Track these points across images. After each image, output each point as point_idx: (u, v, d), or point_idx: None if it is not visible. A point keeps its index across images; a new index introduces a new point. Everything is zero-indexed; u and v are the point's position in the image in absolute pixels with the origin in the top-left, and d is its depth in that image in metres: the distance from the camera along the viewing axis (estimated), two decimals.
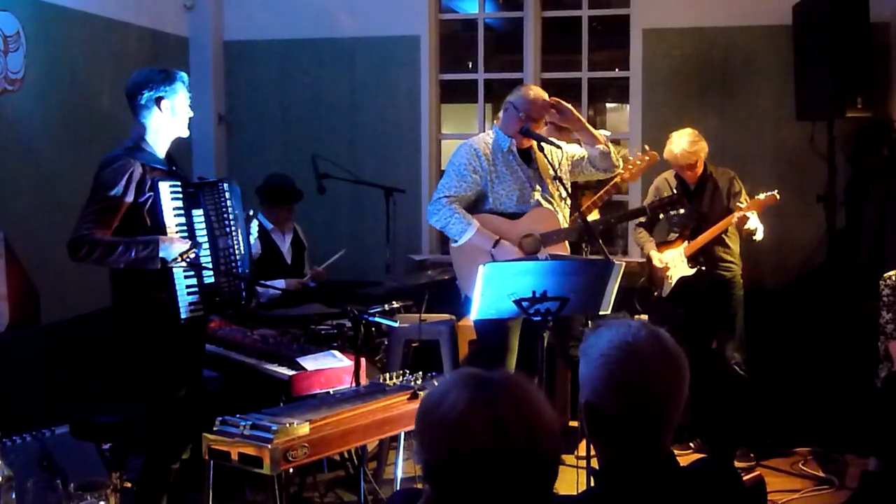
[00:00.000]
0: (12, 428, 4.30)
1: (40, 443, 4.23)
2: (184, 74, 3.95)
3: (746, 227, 5.11)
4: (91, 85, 5.87)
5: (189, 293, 3.80)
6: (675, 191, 5.33)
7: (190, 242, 3.78)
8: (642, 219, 5.34)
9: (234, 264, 3.98)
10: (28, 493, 3.52)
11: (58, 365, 5.19)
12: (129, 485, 4.01)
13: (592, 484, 2.17)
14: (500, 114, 4.77)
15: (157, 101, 3.84)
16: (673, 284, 5.40)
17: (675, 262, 5.39)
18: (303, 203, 5.82)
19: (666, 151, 5.33)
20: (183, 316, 3.76)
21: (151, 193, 3.76)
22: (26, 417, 4.53)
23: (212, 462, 3.31)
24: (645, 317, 5.61)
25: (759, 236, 5.22)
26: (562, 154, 4.78)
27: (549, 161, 4.65)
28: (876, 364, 4.95)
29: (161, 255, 3.69)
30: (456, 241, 4.56)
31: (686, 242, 5.36)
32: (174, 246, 3.72)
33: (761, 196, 5.13)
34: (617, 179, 5.27)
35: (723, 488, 2.01)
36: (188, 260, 3.77)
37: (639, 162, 5.27)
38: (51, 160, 5.46)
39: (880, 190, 5.97)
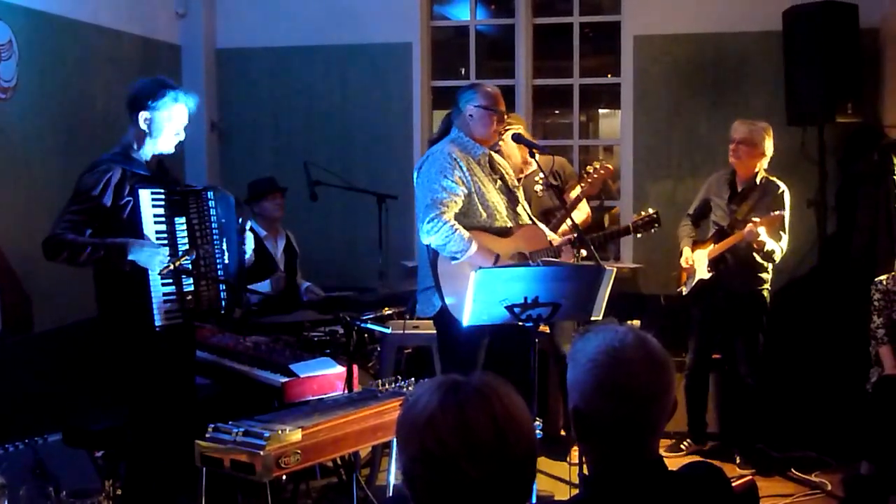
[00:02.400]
0: (5, 436, 4.29)
1: (33, 451, 4.22)
2: (178, 93, 3.93)
3: (758, 240, 5.06)
4: (83, 93, 5.88)
5: (165, 300, 3.79)
6: (727, 188, 5.37)
7: (161, 247, 3.75)
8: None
9: (213, 273, 3.96)
10: (21, 501, 3.51)
11: (50, 372, 5.18)
12: (121, 492, 4.00)
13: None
14: (460, 121, 4.47)
15: (140, 113, 3.85)
16: (693, 285, 5.40)
17: (699, 263, 5.39)
18: (295, 210, 5.83)
19: (732, 128, 5.34)
20: (158, 323, 3.76)
21: (130, 199, 3.77)
22: (19, 425, 4.52)
23: (204, 469, 3.31)
24: (637, 322, 5.62)
25: (768, 247, 5.12)
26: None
27: (504, 170, 4.57)
28: (867, 369, 4.97)
29: (131, 257, 3.70)
30: (456, 259, 4.24)
31: (713, 245, 5.35)
32: (145, 250, 3.72)
33: (771, 215, 5.10)
34: (578, 193, 5.17)
35: (712, 492, 2.02)
36: (180, 267, 3.77)
37: (595, 175, 5.18)
38: (43, 168, 5.47)
39: (870, 195, 6.00)
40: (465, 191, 4.33)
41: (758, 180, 5.30)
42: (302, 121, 7.12)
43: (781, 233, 5.20)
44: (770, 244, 5.11)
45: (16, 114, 5.26)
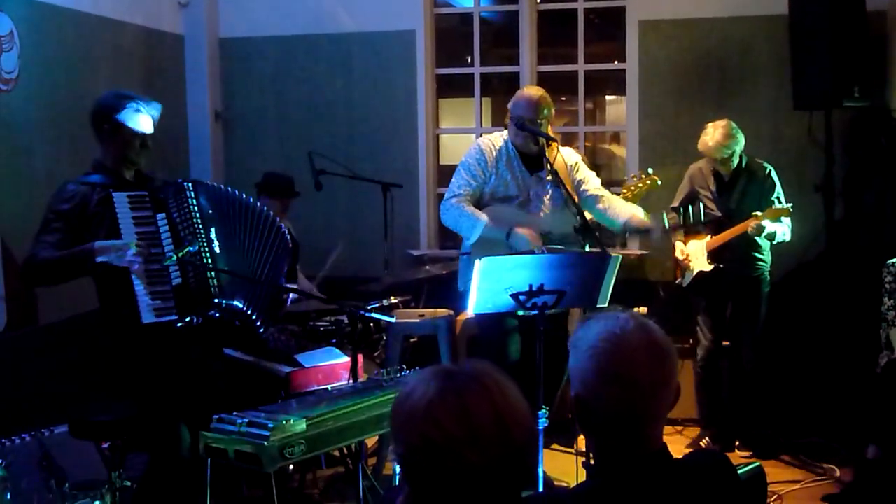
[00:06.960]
0: (11, 428, 4.29)
1: (39, 442, 4.22)
2: (140, 104, 3.87)
3: (765, 234, 5.11)
4: (86, 84, 5.85)
5: (154, 296, 3.73)
6: (707, 181, 5.38)
7: (126, 243, 3.67)
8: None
9: (199, 262, 3.84)
10: (23, 493, 3.52)
11: (56, 365, 5.19)
12: (129, 483, 4.00)
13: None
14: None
15: (105, 126, 3.86)
16: (692, 276, 5.38)
17: (696, 255, 5.37)
18: (300, 199, 5.80)
19: (700, 142, 5.30)
20: (148, 320, 3.70)
21: (101, 208, 3.73)
22: (25, 417, 4.52)
23: (209, 460, 3.30)
24: (644, 309, 5.61)
25: (781, 238, 5.22)
26: (571, 163, 4.84)
27: (565, 165, 4.75)
28: (875, 355, 4.94)
29: (99, 259, 3.65)
30: (468, 239, 4.59)
31: (710, 237, 5.34)
32: (111, 253, 3.65)
33: (776, 207, 5.13)
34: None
35: (718, 480, 2.00)
36: (185, 259, 3.73)
37: (640, 185, 5.20)
38: (46, 160, 5.45)
39: (878, 180, 5.96)
40: (482, 178, 4.68)
41: (744, 166, 5.34)
42: (306, 110, 7.10)
43: (783, 216, 5.22)
44: (779, 232, 5.18)
45: (18, 105, 5.25)
